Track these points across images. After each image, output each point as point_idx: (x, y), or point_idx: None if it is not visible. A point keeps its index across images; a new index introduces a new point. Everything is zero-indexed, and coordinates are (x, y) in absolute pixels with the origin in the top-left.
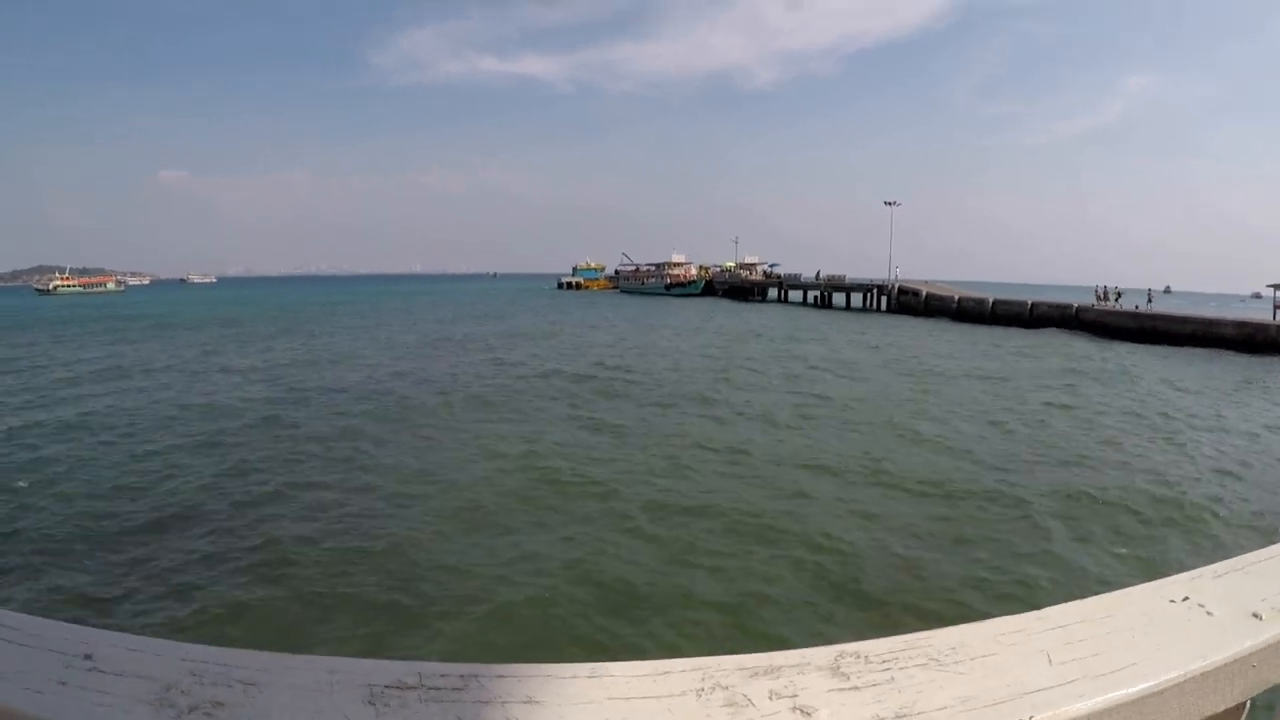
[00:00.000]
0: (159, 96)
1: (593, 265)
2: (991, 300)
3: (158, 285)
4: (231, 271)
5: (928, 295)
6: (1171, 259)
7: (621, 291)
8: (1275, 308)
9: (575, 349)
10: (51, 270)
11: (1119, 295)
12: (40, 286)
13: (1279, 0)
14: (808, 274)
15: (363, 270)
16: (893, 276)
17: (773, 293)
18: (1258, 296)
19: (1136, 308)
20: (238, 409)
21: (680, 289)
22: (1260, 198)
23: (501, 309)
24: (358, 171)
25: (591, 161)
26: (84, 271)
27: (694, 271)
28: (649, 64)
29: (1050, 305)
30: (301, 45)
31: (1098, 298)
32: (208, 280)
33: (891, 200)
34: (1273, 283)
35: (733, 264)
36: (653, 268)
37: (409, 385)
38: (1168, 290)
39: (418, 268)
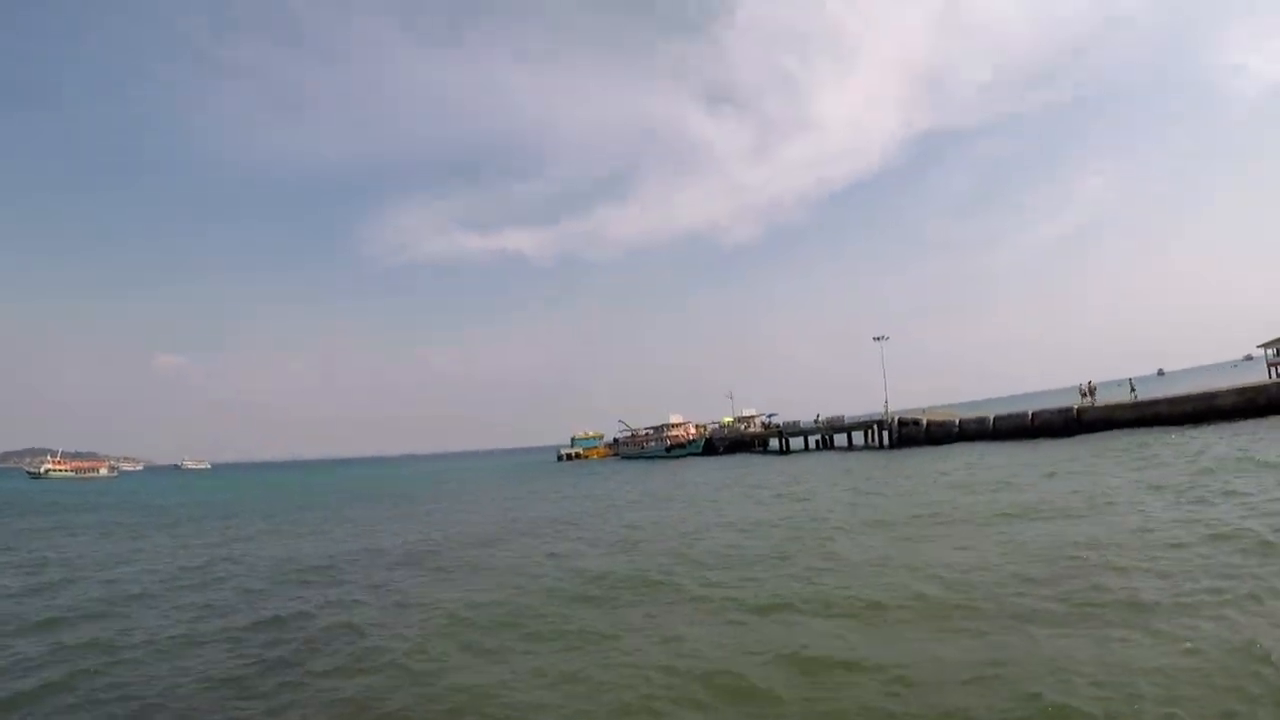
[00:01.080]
0: (159, 290)
1: (591, 434)
2: (992, 418)
3: (150, 471)
4: (226, 457)
5: (929, 424)
6: (1152, 342)
7: (622, 458)
8: (1270, 366)
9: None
10: (43, 452)
11: (1094, 389)
12: (31, 470)
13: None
14: (805, 418)
15: (363, 453)
16: (885, 411)
17: (774, 443)
18: (1249, 359)
19: (1136, 396)
20: None
21: (681, 450)
22: (1229, 271)
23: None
24: (356, 353)
25: (583, 329)
26: (76, 455)
27: (693, 430)
28: (628, 229)
29: (1052, 411)
30: (295, 232)
31: (1081, 394)
32: (202, 466)
33: (880, 335)
34: (1262, 343)
35: (730, 419)
36: (651, 431)
37: None
38: (1161, 373)
39: (418, 449)
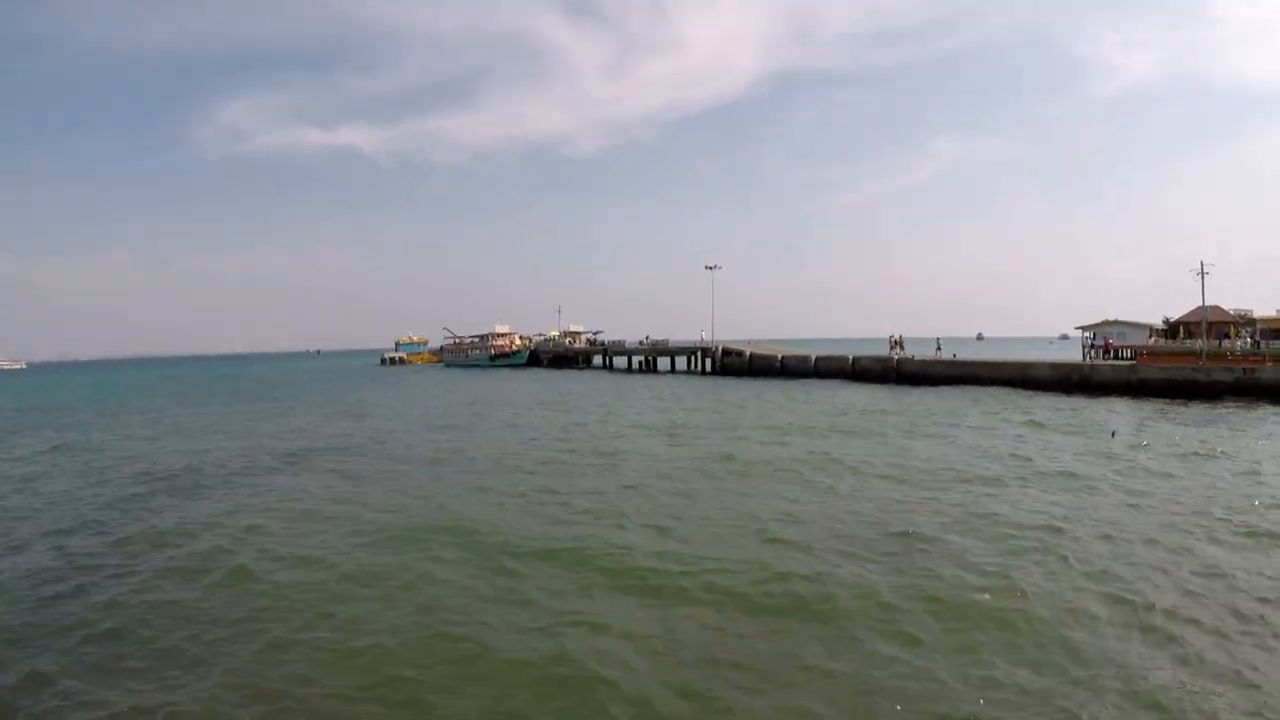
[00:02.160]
0: None
1: (415, 339)
2: (814, 357)
3: None
4: (44, 356)
5: (752, 355)
6: (972, 309)
7: (446, 365)
8: (1086, 348)
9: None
10: None
11: (901, 343)
12: None
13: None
14: (633, 340)
15: (184, 351)
16: (706, 337)
17: (597, 360)
18: (1065, 338)
19: (954, 355)
20: None
21: (504, 359)
22: (1051, 253)
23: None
24: (180, 252)
25: (414, 234)
26: None
27: (518, 341)
28: (471, 134)
29: (871, 359)
30: (118, 117)
31: (890, 346)
32: (17, 365)
33: (712, 264)
34: (1082, 325)
35: (556, 332)
36: (476, 339)
37: None
38: (980, 337)
39: (239, 346)
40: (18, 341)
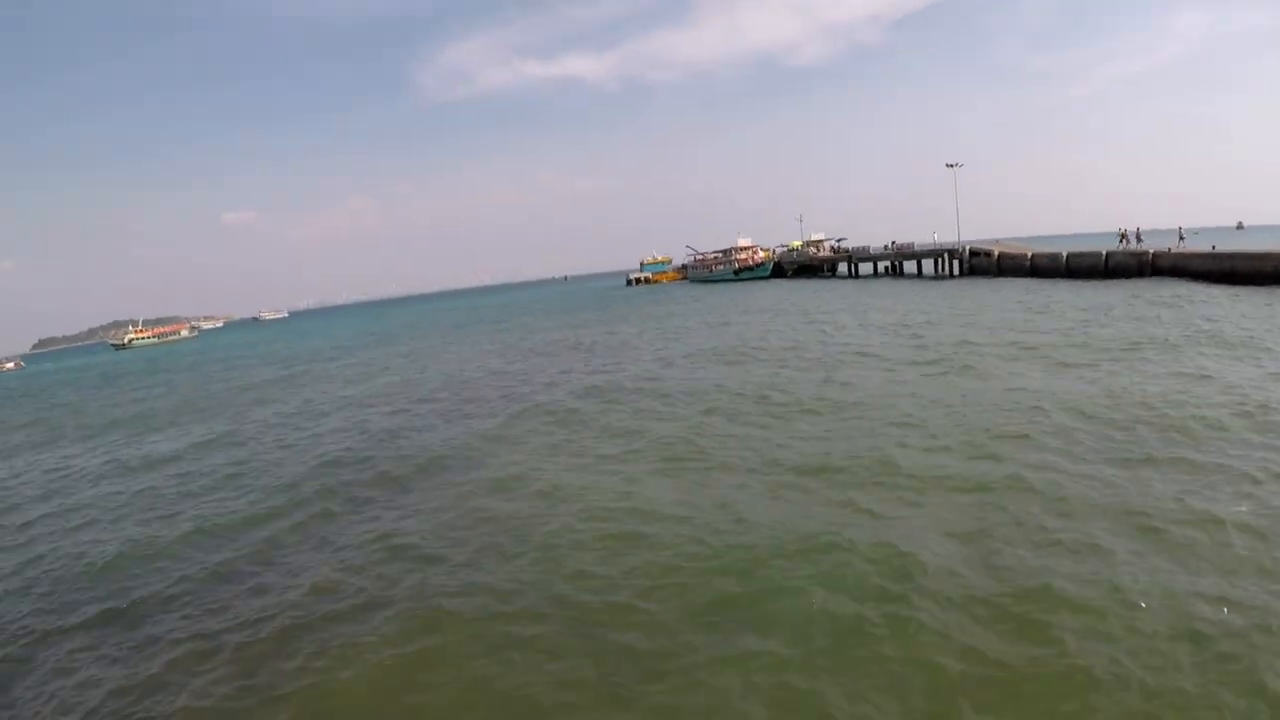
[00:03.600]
0: (220, 143)
1: (659, 259)
2: (1065, 255)
3: (231, 325)
4: (303, 304)
5: (1000, 255)
6: (1231, 196)
7: (691, 281)
8: None
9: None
10: (126, 324)
11: (1139, 236)
12: (115, 341)
13: None
14: (875, 245)
15: (432, 289)
16: (940, 238)
17: (842, 267)
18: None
19: (1213, 247)
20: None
21: (749, 272)
22: None
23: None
24: (418, 194)
25: (646, 156)
26: (158, 321)
27: (761, 254)
28: (693, 51)
29: (1125, 253)
30: (351, 76)
31: (1120, 239)
32: (280, 316)
33: (953, 162)
34: None
35: (799, 243)
36: (720, 255)
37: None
38: (1240, 226)
39: (486, 279)
40: (280, 294)
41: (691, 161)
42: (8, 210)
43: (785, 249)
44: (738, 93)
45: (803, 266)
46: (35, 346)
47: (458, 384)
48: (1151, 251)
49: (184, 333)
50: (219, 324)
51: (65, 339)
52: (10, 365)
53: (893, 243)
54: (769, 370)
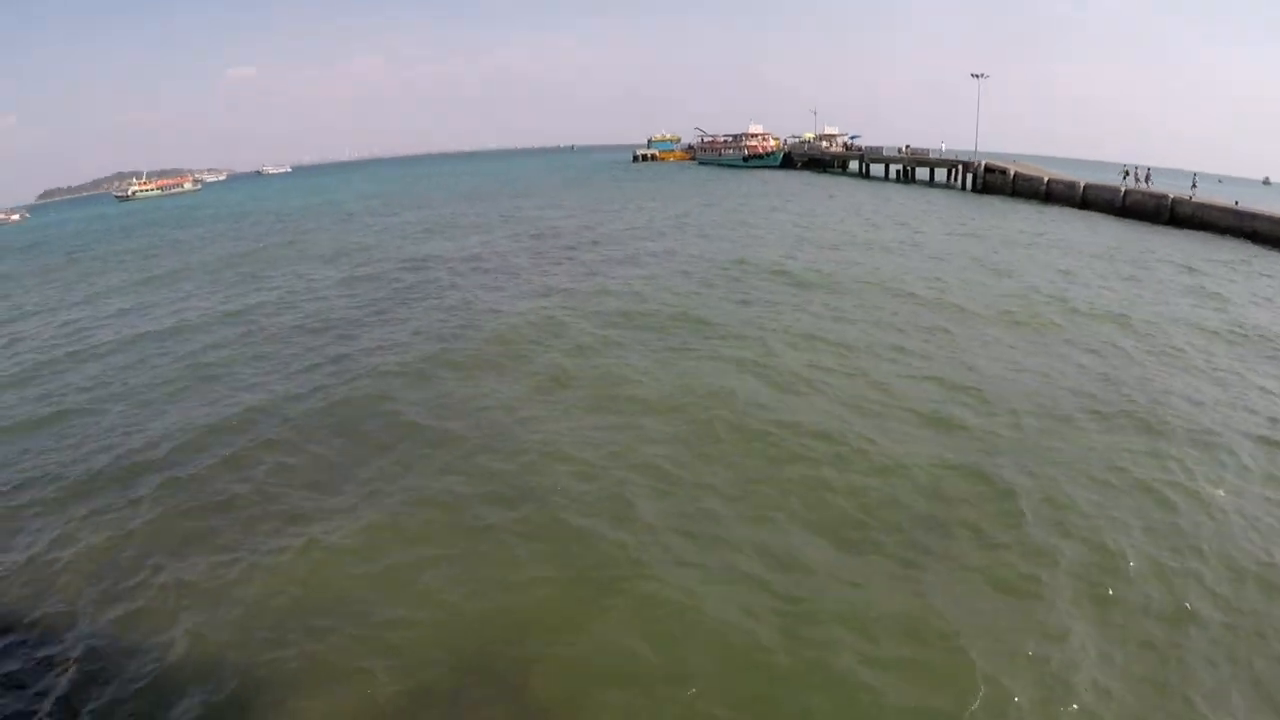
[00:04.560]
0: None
1: (668, 137)
2: (1083, 185)
3: (234, 179)
4: (306, 159)
5: (1016, 175)
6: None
7: (699, 163)
8: None
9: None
10: (130, 176)
11: (1148, 177)
12: (119, 193)
13: None
14: (891, 148)
15: (435, 150)
16: (974, 151)
17: (853, 165)
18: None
19: (1236, 203)
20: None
21: (758, 160)
22: None
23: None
24: (427, 55)
25: (664, 32)
26: (162, 174)
27: (772, 143)
28: None
29: (1145, 194)
30: None
31: (1126, 176)
32: (283, 170)
33: (979, 72)
34: None
35: (812, 135)
36: (730, 139)
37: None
38: (1267, 182)
39: (492, 144)
40: (284, 148)
41: (708, 40)
42: (9, 64)
43: (797, 140)
44: None
45: (813, 160)
46: (40, 197)
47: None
48: (1171, 197)
49: (187, 185)
50: (222, 177)
51: (69, 190)
52: (15, 218)
53: (907, 146)
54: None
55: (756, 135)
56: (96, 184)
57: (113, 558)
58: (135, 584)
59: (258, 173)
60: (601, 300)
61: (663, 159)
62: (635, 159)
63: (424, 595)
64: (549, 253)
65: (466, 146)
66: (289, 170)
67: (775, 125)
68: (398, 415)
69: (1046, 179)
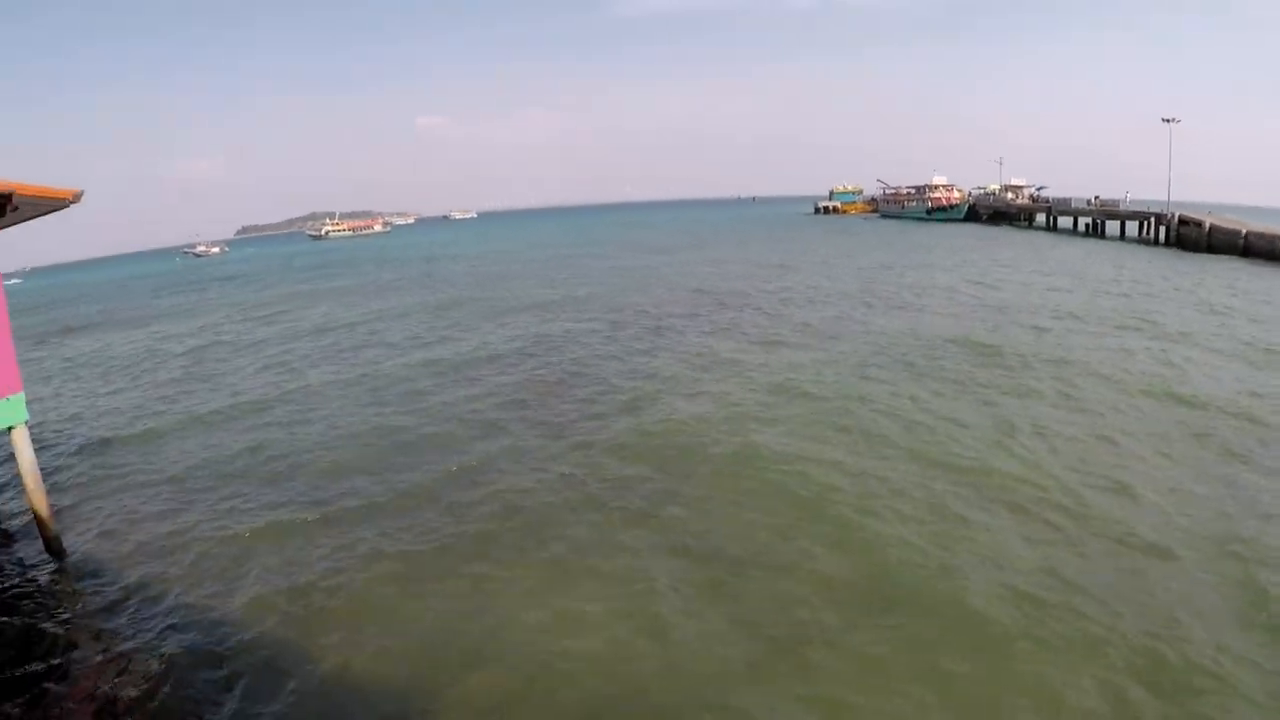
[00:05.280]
0: (414, 52)
1: (850, 188)
2: None
3: (422, 223)
4: (490, 206)
5: (1211, 228)
6: None
7: (881, 216)
8: None
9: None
10: (323, 216)
11: None
12: (313, 232)
13: None
14: (1080, 199)
15: (613, 199)
16: (1167, 203)
17: (1040, 218)
18: None
19: None
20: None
21: (942, 213)
22: None
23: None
24: (599, 107)
25: (840, 79)
26: (353, 215)
27: (956, 194)
28: None
29: None
30: None
31: None
32: (469, 215)
33: (1170, 117)
34: None
35: (996, 186)
36: (913, 190)
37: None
38: None
39: (669, 194)
40: (469, 194)
41: (886, 89)
42: (216, 110)
43: (981, 191)
44: (939, 14)
45: (998, 212)
46: (238, 233)
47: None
48: None
49: (377, 227)
50: (410, 221)
51: (265, 227)
52: (215, 250)
53: (1096, 198)
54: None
55: (940, 187)
56: (291, 223)
57: (304, 569)
58: (330, 603)
59: (445, 217)
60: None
61: (845, 211)
62: (817, 210)
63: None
64: (736, 315)
65: (645, 196)
66: (474, 216)
67: (958, 174)
68: (646, 482)
69: (1245, 232)
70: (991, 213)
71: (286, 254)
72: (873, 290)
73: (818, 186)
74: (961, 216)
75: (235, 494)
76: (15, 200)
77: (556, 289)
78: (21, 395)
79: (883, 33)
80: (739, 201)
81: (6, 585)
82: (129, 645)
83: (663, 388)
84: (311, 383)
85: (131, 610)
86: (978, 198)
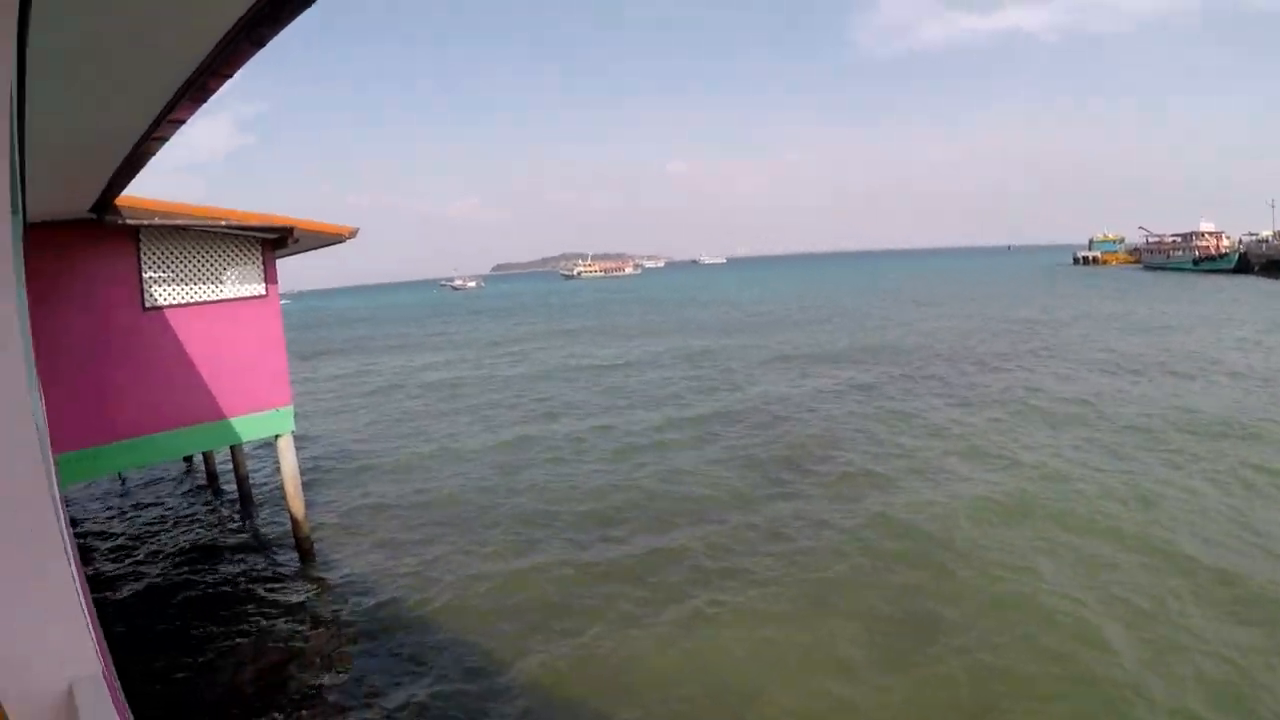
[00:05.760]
0: (665, 102)
1: (1110, 237)
2: None
3: (671, 267)
4: (739, 252)
5: None
6: None
7: (1145, 267)
8: None
9: None
10: (575, 256)
11: None
12: (565, 272)
13: None
14: None
15: (858, 246)
16: None
17: None
18: None
19: None
20: None
21: (1210, 263)
22: None
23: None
24: (850, 147)
25: (1095, 117)
26: (604, 257)
27: (1225, 243)
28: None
29: None
30: (781, 28)
31: None
32: (718, 261)
33: None
34: None
35: (1269, 233)
36: (1178, 239)
37: None
38: None
39: (925, 241)
40: (717, 239)
41: (1141, 127)
42: (471, 156)
43: (1254, 238)
44: (1202, 48)
45: (1272, 262)
46: (493, 269)
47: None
48: None
49: (628, 269)
50: (660, 264)
51: (518, 265)
52: (472, 284)
53: None
54: None
55: (1207, 234)
56: (544, 261)
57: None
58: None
59: (694, 261)
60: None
61: (1105, 261)
62: (1075, 261)
63: None
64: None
65: (891, 244)
66: (724, 261)
67: (1223, 219)
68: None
69: None
70: (1265, 262)
71: (541, 291)
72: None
73: (1076, 234)
74: (1232, 266)
75: (482, 528)
76: (296, 234)
77: (821, 337)
78: (290, 407)
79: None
80: (996, 251)
81: (259, 575)
82: (361, 647)
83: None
84: (566, 428)
85: (365, 621)
86: (1249, 245)
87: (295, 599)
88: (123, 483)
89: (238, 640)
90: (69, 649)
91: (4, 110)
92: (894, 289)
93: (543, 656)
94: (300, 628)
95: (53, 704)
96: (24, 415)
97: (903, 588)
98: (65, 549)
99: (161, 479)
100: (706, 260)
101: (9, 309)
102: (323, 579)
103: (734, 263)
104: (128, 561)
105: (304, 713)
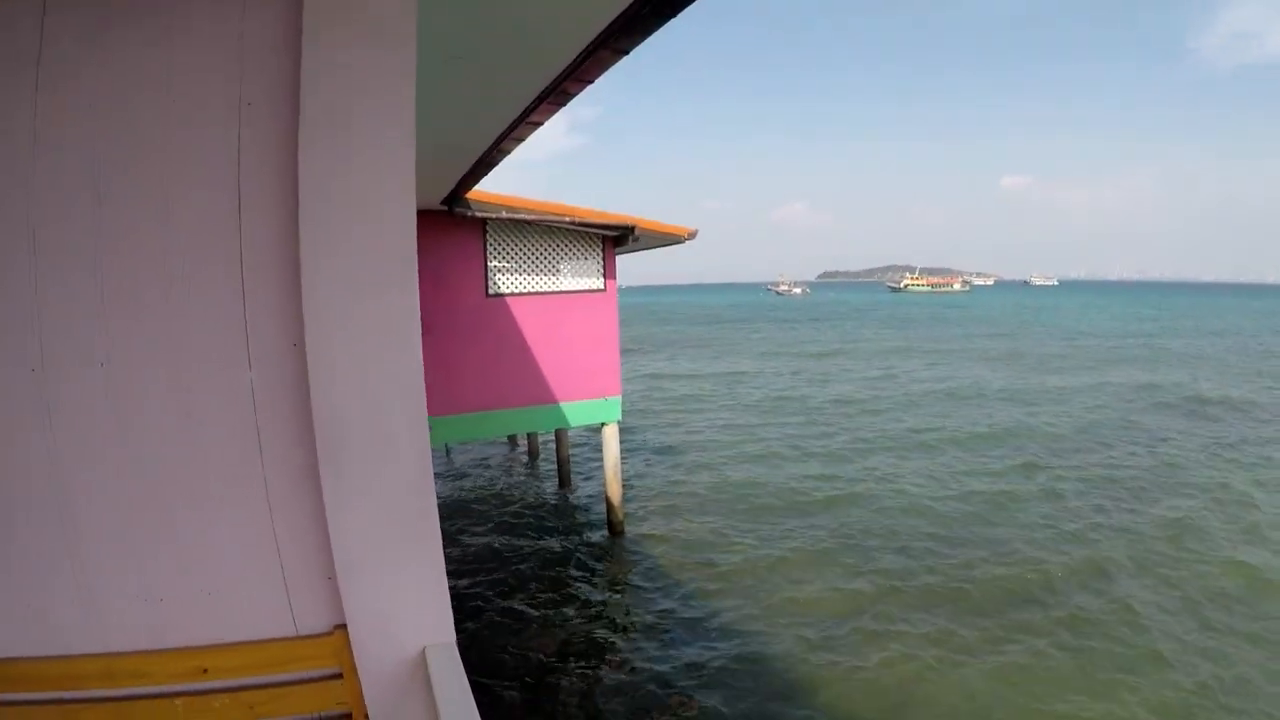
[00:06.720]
0: (1001, 107)
1: None
2: None
3: (1000, 285)
4: (1073, 274)
5: None
6: None
7: None
8: None
9: None
10: (902, 269)
11: None
12: (892, 284)
13: None
14: None
15: (1210, 277)
16: None
17: None
18: None
19: None
20: None
21: None
22: None
23: None
24: (1207, 172)
25: None
26: (932, 271)
27: None
28: None
29: None
30: (1124, 39)
31: None
32: (1050, 282)
33: None
34: None
35: None
36: None
37: None
38: None
39: (1270, 277)
40: (1050, 259)
41: None
42: (801, 158)
43: None
44: None
45: None
46: (819, 277)
47: None
48: None
49: (956, 286)
50: (989, 282)
51: (845, 274)
52: (798, 291)
53: None
54: None
55: None
56: (870, 272)
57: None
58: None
59: (1025, 282)
60: None
61: None
62: None
63: None
64: None
65: (1247, 278)
66: (1056, 283)
67: None
68: None
69: None
70: None
71: (866, 303)
72: None
73: None
74: None
75: (807, 544)
76: (637, 232)
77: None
78: (619, 398)
79: None
80: None
81: (576, 551)
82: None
83: None
84: (929, 460)
85: (665, 613)
86: None
87: (606, 578)
88: (447, 453)
89: (563, 610)
90: (428, 617)
91: (408, 110)
92: None
93: (858, 684)
94: (615, 603)
95: (408, 668)
96: (419, 406)
97: None
98: (437, 522)
99: (486, 454)
100: (1037, 280)
101: (411, 303)
102: (634, 562)
103: (1066, 285)
104: (454, 527)
105: (606, 700)
